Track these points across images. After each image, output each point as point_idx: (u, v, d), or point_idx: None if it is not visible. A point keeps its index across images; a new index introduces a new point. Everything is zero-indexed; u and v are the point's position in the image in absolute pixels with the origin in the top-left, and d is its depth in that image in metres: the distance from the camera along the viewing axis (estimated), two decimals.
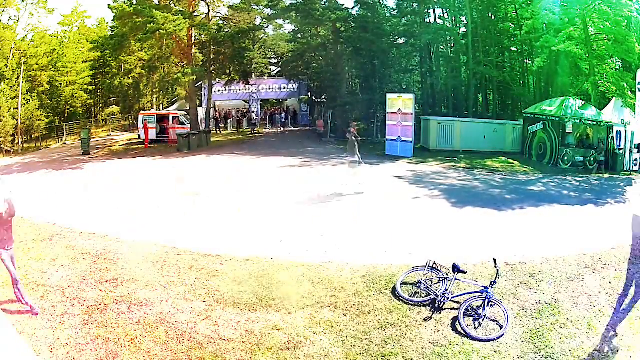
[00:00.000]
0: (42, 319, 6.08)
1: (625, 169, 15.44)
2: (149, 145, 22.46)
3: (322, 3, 22.75)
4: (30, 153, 22.67)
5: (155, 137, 23.17)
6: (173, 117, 23.71)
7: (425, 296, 6.54)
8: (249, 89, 28.75)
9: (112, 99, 35.34)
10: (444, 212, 10.51)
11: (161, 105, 34.63)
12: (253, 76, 30.17)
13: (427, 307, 6.37)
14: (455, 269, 6.60)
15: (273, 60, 36.77)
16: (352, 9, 23.70)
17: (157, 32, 19.23)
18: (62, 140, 26.97)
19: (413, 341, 5.73)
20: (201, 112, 25.36)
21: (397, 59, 25.02)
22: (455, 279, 6.59)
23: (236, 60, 24.24)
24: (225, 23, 24.82)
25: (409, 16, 25.05)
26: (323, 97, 29.45)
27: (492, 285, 6.31)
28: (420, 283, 6.67)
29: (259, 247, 8.31)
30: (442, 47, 25.65)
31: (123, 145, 24.15)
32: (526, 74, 23.43)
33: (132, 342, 5.66)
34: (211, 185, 13.54)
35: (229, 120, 29.01)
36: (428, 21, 24.95)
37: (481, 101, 25.79)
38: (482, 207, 10.77)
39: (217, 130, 26.96)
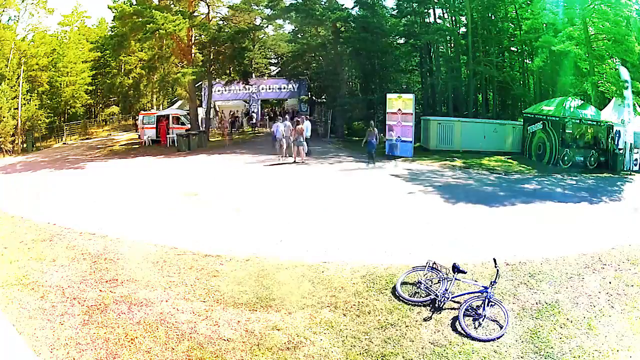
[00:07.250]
0: (42, 319, 6.09)
1: (624, 169, 15.44)
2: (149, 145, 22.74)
3: (322, 3, 22.72)
4: (33, 153, 22.70)
5: (155, 137, 23.23)
6: (173, 117, 23.70)
7: (425, 296, 6.54)
8: (249, 89, 28.70)
9: (112, 99, 35.43)
10: (440, 210, 10.51)
11: (161, 105, 34.69)
12: (253, 76, 30.10)
13: (427, 307, 6.37)
14: (455, 269, 6.60)
15: (273, 60, 36.81)
16: (352, 9, 23.70)
17: (157, 32, 19.19)
18: (62, 140, 27.01)
19: (413, 341, 5.73)
20: (201, 112, 25.35)
21: (397, 59, 25.00)
22: (455, 279, 6.59)
23: (236, 60, 24.17)
24: (225, 23, 24.76)
25: (409, 16, 25.05)
26: (323, 97, 29.41)
27: (492, 285, 6.31)
28: (420, 283, 6.67)
29: (259, 247, 8.31)
30: (442, 47, 25.65)
31: (123, 145, 24.20)
32: (526, 74, 23.44)
33: (132, 342, 5.66)
34: (211, 184, 13.54)
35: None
36: (428, 21, 24.97)
37: (481, 101, 25.80)
38: (475, 203, 10.81)
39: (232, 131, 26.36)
